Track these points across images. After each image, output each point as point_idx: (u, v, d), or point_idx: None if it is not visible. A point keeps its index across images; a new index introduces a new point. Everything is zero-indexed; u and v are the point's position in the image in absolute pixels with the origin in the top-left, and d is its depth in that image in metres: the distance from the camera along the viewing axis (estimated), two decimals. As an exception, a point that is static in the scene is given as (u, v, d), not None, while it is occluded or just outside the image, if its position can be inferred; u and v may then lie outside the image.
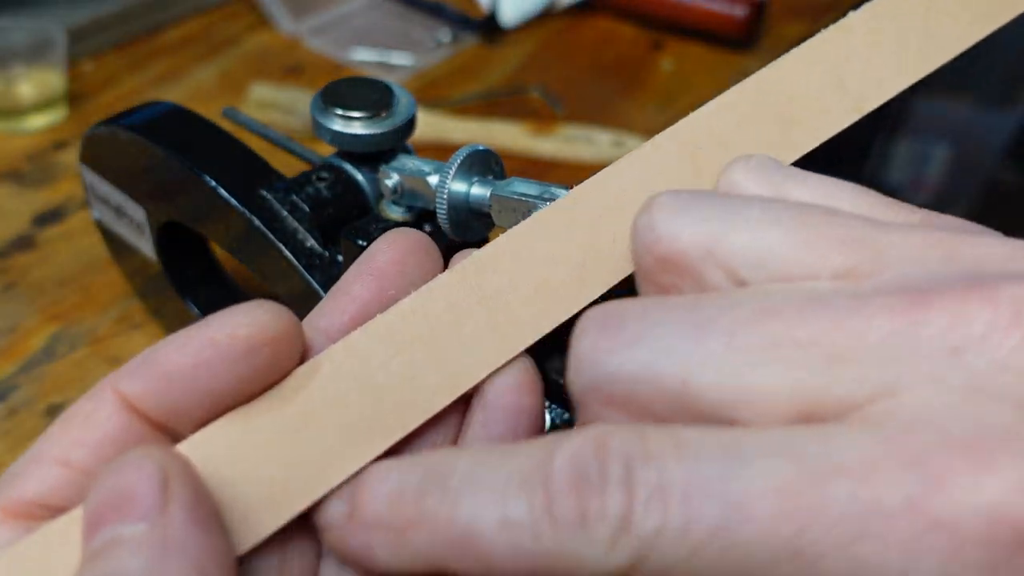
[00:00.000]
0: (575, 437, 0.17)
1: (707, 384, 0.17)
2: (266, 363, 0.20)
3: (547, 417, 0.34)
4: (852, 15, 0.24)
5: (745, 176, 0.20)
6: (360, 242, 0.34)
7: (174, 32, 0.77)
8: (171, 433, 0.20)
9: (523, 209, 0.29)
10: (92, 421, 0.20)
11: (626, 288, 0.22)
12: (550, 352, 0.22)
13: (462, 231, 0.32)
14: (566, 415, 0.34)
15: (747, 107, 0.23)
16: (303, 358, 0.21)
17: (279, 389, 0.21)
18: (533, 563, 0.17)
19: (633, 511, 0.15)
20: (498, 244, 0.22)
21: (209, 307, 0.46)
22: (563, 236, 0.22)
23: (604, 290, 0.22)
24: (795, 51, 0.23)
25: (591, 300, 0.22)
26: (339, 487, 0.20)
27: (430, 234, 0.36)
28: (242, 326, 0.20)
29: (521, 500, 0.17)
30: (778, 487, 0.15)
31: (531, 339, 0.22)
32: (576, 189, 0.23)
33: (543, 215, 0.22)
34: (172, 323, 0.49)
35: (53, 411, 0.46)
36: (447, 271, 0.22)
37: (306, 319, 0.23)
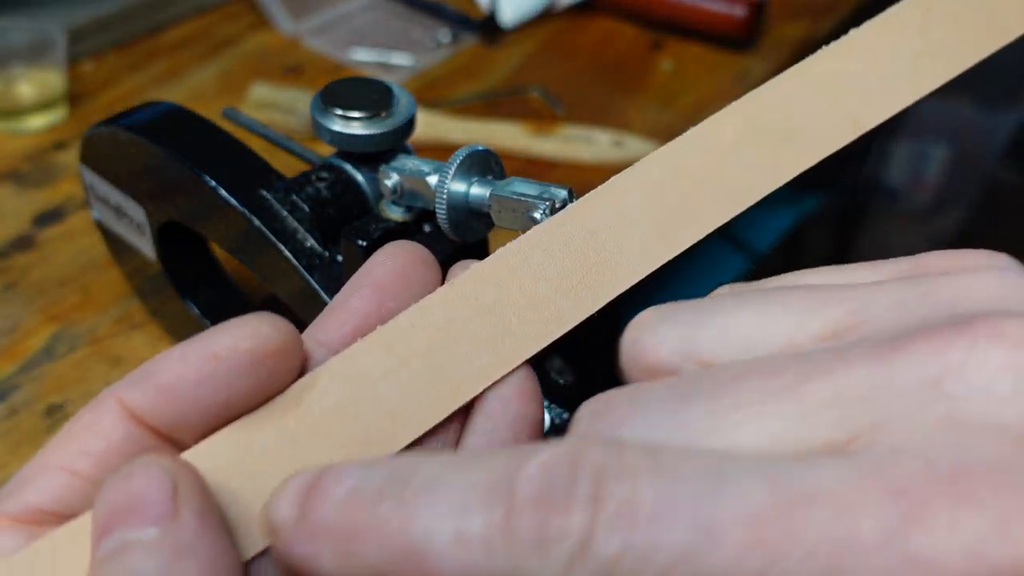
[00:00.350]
0: (550, 447, 0.16)
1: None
2: (267, 375, 0.20)
3: (547, 417, 0.34)
4: (851, 33, 0.24)
5: (728, 287, 0.20)
6: (360, 242, 0.34)
7: (174, 32, 0.77)
8: (174, 442, 0.21)
9: (522, 209, 0.29)
10: (96, 431, 0.20)
11: (626, 299, 0.22)
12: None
13: (462, 231, 0.32)
14: (565, 415, 0.34)
15: (743, 126, 0.23)
16: (303, 370, 0.21)
17: (280, 400, 0.21)
18: None
19: (596, 532, 0.15)
20: (496, 257, 0.22)
21: (209, 307, 0.46)
22: (561, 250, 0.22)
23: (602, 304, 0.22)
24: (791, 70, 0.23)
25: (589, 314, 0.22)
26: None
27: (430, 234, 0.37)
28: (244, 339, 0.20)
29: (480, 513, 0.15)
30: (752, 512, 0.14)
31: (529, 352, 0.22)
32: (574, 204, 0.23)
33: (541, 229, 0.22)
34: (172, 323, 0.49)
35: (53, 411, 0.46)
36: (445, 284, 0.22)
37: (305, 332, 0.23)
